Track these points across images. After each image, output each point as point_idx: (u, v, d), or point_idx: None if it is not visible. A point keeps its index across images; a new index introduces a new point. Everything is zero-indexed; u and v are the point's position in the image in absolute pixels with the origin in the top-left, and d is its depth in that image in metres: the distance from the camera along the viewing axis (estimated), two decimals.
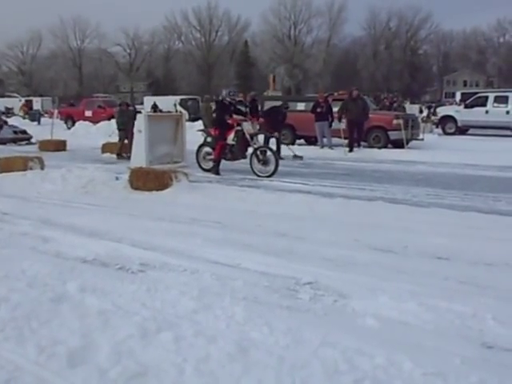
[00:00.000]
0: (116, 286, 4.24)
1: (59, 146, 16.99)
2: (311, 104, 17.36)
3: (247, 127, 11.17)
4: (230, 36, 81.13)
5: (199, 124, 20.67)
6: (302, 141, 18.98)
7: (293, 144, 18.05)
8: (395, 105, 24.11)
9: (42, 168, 10.56)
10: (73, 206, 7.78)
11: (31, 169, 10.35)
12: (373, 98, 27.13)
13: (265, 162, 10.90)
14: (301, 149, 16.75)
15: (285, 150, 14.07)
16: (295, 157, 14.05)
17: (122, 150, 14.32)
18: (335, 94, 19.55)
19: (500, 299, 3.96)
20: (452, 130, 23.69)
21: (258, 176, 10.78)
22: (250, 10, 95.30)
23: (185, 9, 78.78)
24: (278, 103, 15.73)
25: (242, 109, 12.16)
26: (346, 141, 15.52)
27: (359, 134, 15.96)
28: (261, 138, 13.28)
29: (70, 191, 8.85)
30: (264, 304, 3.93)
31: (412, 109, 28.48)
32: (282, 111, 14.57)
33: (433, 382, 2.87)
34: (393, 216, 6.88)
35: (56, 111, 27.45)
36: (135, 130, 12.41)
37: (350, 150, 15.27)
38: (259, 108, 17.75)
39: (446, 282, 4.38)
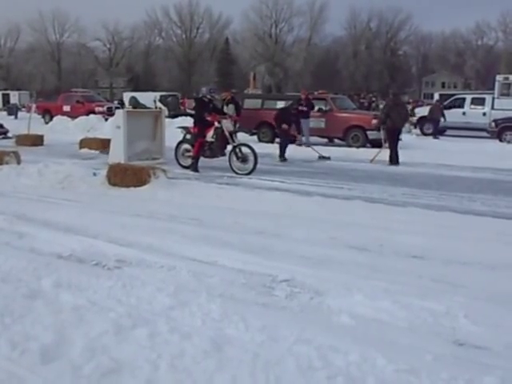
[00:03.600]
0: (91, 282, 4.22)
1: (36, 140, 16.78)
2: (291, 102, 17.39)
3: (226, 125, 11.17)
4: (211, 33, 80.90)
5: (179, 121, 20.58)
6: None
7: (272, 142, 18.10)
8: (373, 105, 24.30)
9: (19, 163, 10.43)
10: (49, 201, 7.70)
11: (7, 163, 10.22)
12: (351, 98, 27.27)
13: (243, 160, 10.91)
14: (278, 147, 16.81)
15: (308, 152, 13.94)
16: (321, 158, 13.90)
17: None
18: (315, 93, 19.64)
19: (472, 298, 4.03)
20: (430, 131, 23.92)
21: (237, 174, 10.78)
22: (231, 7, 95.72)
23: (166, 5, 77.89)
24: (285, 103, 15.44)
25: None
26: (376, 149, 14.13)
27: (395, 146, 13.27)
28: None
29: (47, 186, 8.76)
30: (240, 301, 3.94)
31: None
32: (291, 112, 14.52)
33: (405, 378, 2.91)
34: (369, 215, 6.93)
35: (34, 105, 27.07)
36: (114, 125, 12.32)
37: (393, 162, 13.00)
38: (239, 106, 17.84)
39: (420, 281, 4.43)
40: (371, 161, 13.31)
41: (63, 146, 16.10)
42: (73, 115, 26.66)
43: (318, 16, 74.70)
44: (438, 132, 22.54)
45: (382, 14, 76.57)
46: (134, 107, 14.95)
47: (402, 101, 15.53)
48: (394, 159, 13.01)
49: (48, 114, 30.22)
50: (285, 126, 13.62)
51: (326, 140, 18.40)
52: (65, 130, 22.33)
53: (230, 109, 17.53)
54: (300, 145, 16.68)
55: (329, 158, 13.91)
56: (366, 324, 3.58)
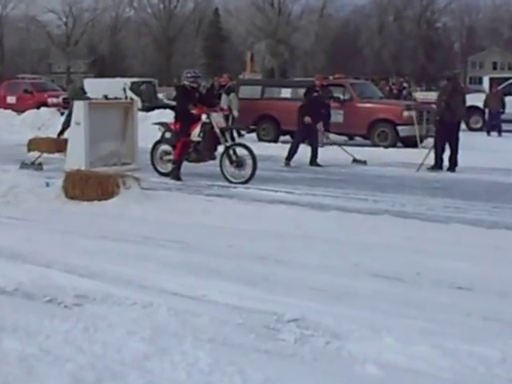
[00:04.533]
0: (44, 325, 4.20)
1: None
2: (300, 91, 17.44)
3: (217, 119, 11.19)
4: (195, 2, 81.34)
5: (155, 115, 20.65)
6: (287, 137, 19.06)
7: (275, 142, 18.16)
8: (405, 92, 24.39)
9: None
10: None
11: None
12: (375, 83, 27.41)
13: (239, 165, 10.93)
14: (285, 147, 16.85)
15: (338, 153, 13.94)
16: (355, 161, 13.93)
17: None
18: (330, 77, 19.75)
19: None
20: (478, 125, 23.98)
21: (231, 182, 10.80)
22: None
23: None
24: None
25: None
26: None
27: (455, 145, 12.96)
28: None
29: None
30: (236, 347, 3.93)
31: (428, 97, 28.81)
32: (326, 102, 14.58)
33: None
34: (401, 234, 6.92)
35: None
36: (72, 122, 12.34)
37: (437, 167, 12.86)
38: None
39: (467, 319, 4.42)
40: (418, 169, 12.81)
41: (7, 148, 16.12)
42: (19, 108, 26.74)
43: None
44: (493, 127, 22.51)
45: None
46: (73, 99, 14.66)
47: (461, 86, 15.51)
48: (441, 162, 12.78)
49: None
50: (308, 119, 13.61)
51: (344, 138, 18.41)
52: (9, 127, 22.37)
53: (231, 99, 17.62)
54: (311, 144, 16.73)
55: (365, 163, 13.85)
56: (399, 375, 3.56)
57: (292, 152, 13.68)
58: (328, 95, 15.13)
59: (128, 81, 31.97)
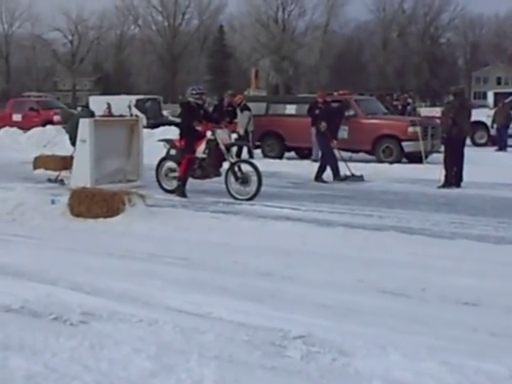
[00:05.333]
0: (50, 343, 4.21)
1: None
2: (305, 107, 17.52)
3: (222, 136, 11.21)
4: (200, 19, 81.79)
5: (160, 131, 20.72)
6: (292, 154, 19.11)
7: (280, 158, 18.20)
8: (409, 108, 24.41)
9: None
10: None
11: None
12: (383, 99, 27.47)
13: (244, 181, 10.94)
14: (290, 164, 16.88)
15: (343, 169, 13.91)
16: (353, 177, 13.67)
17: None
18: (335, 93, 19.79)
19: None
20: (483, 141, 23.97)
21: (236, 199, 10.80)
22: None
23: None
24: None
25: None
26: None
27: (461, 160, 12.87)
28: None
29: None
30: (242, 364, 3.92)
31: (432, 113, 28.86)
32: (342, 112, 14.61)
33: None
34: (407, 250, 6.92)
35: None
36: (77, 139, 12.40)
37: (449, 183, 12.63)
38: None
39: (474, 335, 4.42)
40: (441, 186, 12.55)
41: (13, 166, 16.18)
42: (25, 126, 26.86)
43: None
44: (494, 141, 22.47)
45: None
46: (66, 122, 14.76)
47: (468, 102, 15.45)
48: (452, 179, 12.65)
49: None
50: (324, 124, 13.63)
51: (349, 154, 18.39)
52: (15, 144, 22.49)
53: (243, 116, 17.73)
54: (316, 160, 16.76)
55: (362, 178, 13.78)
56: None
57: (323, 168, 13.66)
58: (344, 109, 15.10)
59: (133, 98, 32.16)
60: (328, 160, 13.75)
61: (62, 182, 12.80)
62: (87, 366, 3.85)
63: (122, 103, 29.97)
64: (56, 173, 13.29)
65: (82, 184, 10.50)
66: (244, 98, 19.45)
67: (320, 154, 16.48)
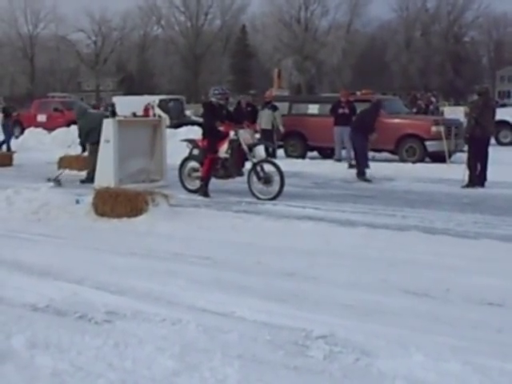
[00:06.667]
0: (75, 341, 4.25)
1: (4, 160, 17.07)
2: (327, 106, 17.51)
3: (244, 136, 11.23)
4: (223, 20, 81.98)
5: (184, 131, 20.79)
6: (314, 153, 19.09)
7: (303, 158, 18.18)
8: (432, 107, 24.27)
9: None
10: (20, 236, 7.80)
11: None
12: (410, 99, 27.34)
13: (267, 181, 10.94)
14: (312, 163, 16.86)
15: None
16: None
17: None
18: (358, 93, 19.73)
19: None
20: (508, 140, 23.77)
21: (259, 198, 10.81)
22: None
23: None
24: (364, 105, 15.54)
25: None
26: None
27: (485, 160, 12.72)
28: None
29: (18, 218, 8.86)
30: (265, 364, 3.94)
31: (456, 112, 28.63)
32: (378, 111, 14.63)
33: None
34: (431, 250, 6.89)
35: (0, 115, 27.56)
36: (102, 139, 12.48)
37: (474, 183, 12.49)
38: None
39: (498, 336, 4.39)
40: (464, 185, 12.40)
41: (37, 167, 16.32)
42: (49, 127, 27.04)
43: None
44: None
45: None
46: (78, 118, 14.46)
47: (492, 101, 15.27)
48: (476, 179, 12.53)
49: (18, 125, 30.68)
50: (375, 135, 13.89)
51: (372, 153, 18.33)
52: (40, 145, 22.65)
53: (276, 116, 17.71)
54: (339, 160, 16.75)
55: (369, 181, 13.73)
56: None
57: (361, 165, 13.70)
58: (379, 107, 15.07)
59: (156, 98, 32.25)
60: (359, 158, 13.82)
61: (58, 182, 12.75)
62: (112, 364, 3.89)
63: (145, 103, 30.07)
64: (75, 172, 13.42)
65: (106, 184, 10.58)
66: (273, 97, 19.44)
67: (343, 153, 16.55)
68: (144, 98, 34.15)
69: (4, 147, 20.33)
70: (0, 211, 9.19)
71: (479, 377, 3.71)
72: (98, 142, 12.65)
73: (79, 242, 7.57)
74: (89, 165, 13.14)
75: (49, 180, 12.82)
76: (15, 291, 5.43)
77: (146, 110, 27.13)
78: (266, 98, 19.00)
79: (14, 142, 21.97)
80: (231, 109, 16.04)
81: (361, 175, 13.55)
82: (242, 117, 13.82)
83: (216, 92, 11.57)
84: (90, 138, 13.21)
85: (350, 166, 15.14)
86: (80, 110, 14.35)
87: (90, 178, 12.74)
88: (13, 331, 4.40)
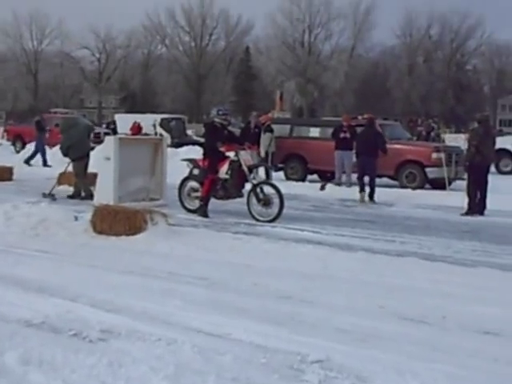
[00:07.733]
0: (69, 359, 4.23)
1: (3, 174, 17.06)
2: (328, 130, 17.58)
3: (245, 157, 11.25)
4: (227, 41, 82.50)
5: (184, 151, 20.83)
6: (314, 176, 19.11)
7: (303, 181, 18.22)
8: (433, 134, 24.35)
9: None
10: (18, 252, 7.79)
11: None
12: (407, 124, 27.44)
13: (266, 203, 10.95)
14: (312, 187, 16.88)
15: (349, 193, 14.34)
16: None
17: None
18: (359, 117, 19.81)
19: None
20: (508, 169, 23.81)
21: (258, 220, 10.81)
22: (253, 8, 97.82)
23: (171, 5, 79.43)
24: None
25: None
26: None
27: (484, 188, 12.76)
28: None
29: (16, 233, 8.85)
30: None
31: (457, 139, 28.70)
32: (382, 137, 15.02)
33: None
34: (428, 277, 6.88)
35: (2, 130, 27.66)
36: (102, 156, 12.50)
37: (473, 211, 12.47)
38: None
39: (494, 365, 4.37)
40: (464, 213, 12.41)
41: (37, 182, 16.31)
42: (51, 142, 27.01)
43: (363, 20, 75.79)
44: None
45: (446, 19, 77.43)
46: (62, 132, 14.31)
47: (492, 129, 15.51)
48: (476, 207, 12.51)
49: (20, 140, 30.78)
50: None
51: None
52: (40, 160, 22.64)
53: (265, 138, 17.77)
54: (339, 184, 16.77)
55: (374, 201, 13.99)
56: None
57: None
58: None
59: (158, 117, 32.38)
60: (372, 182, 14.45)
61: (53, 196, 12.91)
62: (105, 383, 3.87)
63: (147, 122, 30.15)
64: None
65: (105, 201, 10.58)
66: (270, 119, 19.47)
67: (344, 177, 16.62)
68: (146, 116, 34.28)
69: (39, 160, 21.14)
70: None
71: None
72: (79, 159, 13.38)
73: (76, 258, 7.56)
74: (76, 181, 13.62)
75: (44, 195, 12.95)
76: (10, 307, 5.41)
77: (134, 127, 26.61)
78: (263, 120, 18.78)
79: (14, 157, 22.02)
80: (235, 129, 16.10)
81: (363, 192, 14.16)
82: (247, 137, 13.87)
83: (220, 112, 11.61)
84: (70, 154, 13.61)
85: (322, 188, 15.87)
86: (64, 124, 14.54)
87: (77, 194, 13.30)
88: (6, 347, 4.38)
